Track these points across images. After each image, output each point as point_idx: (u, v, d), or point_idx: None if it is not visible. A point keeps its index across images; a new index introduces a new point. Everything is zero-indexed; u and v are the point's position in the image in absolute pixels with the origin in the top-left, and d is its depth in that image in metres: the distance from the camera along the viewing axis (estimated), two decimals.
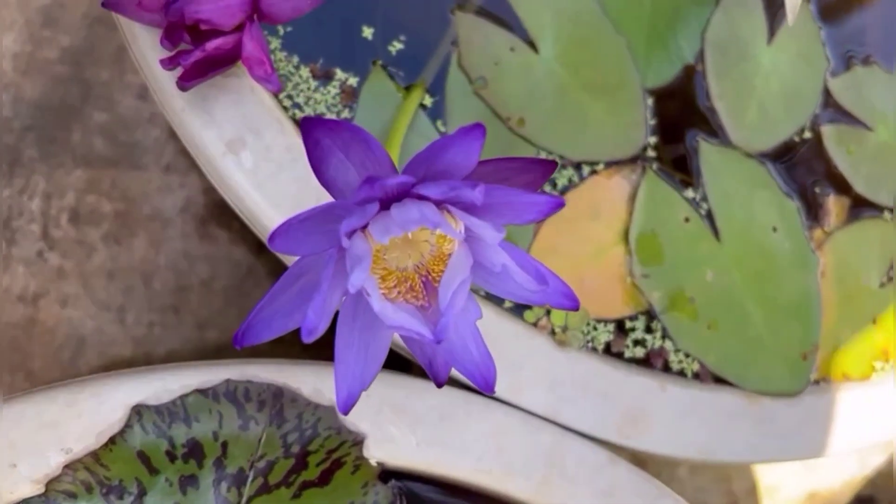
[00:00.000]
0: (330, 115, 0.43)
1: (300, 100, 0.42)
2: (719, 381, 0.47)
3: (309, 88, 0.43)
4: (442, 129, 0.44)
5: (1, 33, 0.59)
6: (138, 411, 0.37)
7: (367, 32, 0.44)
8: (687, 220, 0.47)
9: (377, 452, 0.40)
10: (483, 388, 0.28)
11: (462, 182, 0.24)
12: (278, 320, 0.27)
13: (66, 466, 0.36)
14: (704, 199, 0.47)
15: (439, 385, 0.29)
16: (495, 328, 0.43)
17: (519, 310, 0.44)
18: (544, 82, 0.46)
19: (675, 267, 0.46)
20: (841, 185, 0.50)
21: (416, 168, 0.25)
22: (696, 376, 0.46)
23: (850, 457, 0.71)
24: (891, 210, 0.50)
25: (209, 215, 0.61)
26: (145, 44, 0.39)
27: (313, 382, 0.39)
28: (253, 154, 0.40)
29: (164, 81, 0.39)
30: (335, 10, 0.43)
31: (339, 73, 0.43)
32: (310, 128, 0.24)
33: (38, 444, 0.36)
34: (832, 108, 0.50)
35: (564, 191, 0.46)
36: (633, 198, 0.46)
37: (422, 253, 0.26)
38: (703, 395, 0.46)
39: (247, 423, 0.38)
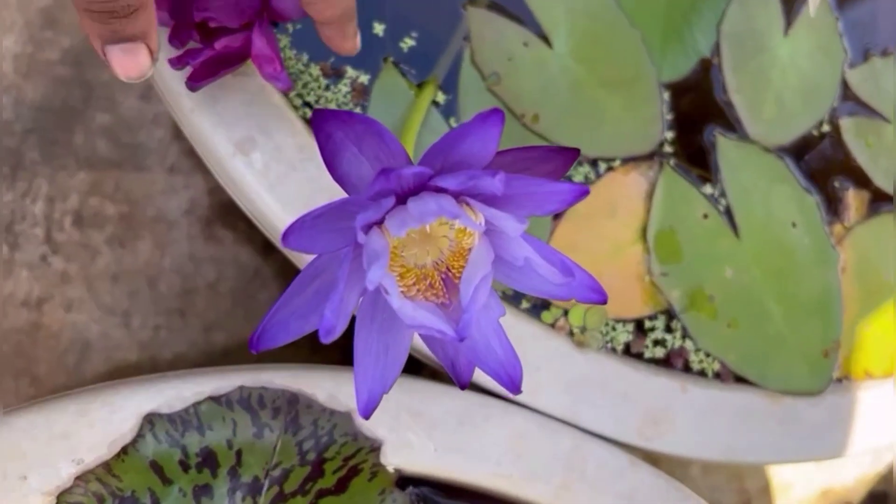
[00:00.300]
0: None
1: (310, 98, 0.41)
2: (740, 380, 0.46)
3: (319, 87, 0.42)
4: (455, 126, 0.43)
5: (1, 35, 0.58)
6: (150, 420, 0.36)
7: (379, 29, 0.43)
8: (705, 216, 0.46)
9: (394, 458, 0.39)
10: (509, 388, 0.27)
11: (481, 171, 0.23)
12: (294, 322, 0.26)
13: (78, 478, 0.36)
14: (723, 194, 0.47)
15: (463, 387, 0.28)
16: (512, 329, 0.42)
17: (536, 311, 0.43)
18: (559, 78, 0.45)
19: (694, 265, 0.45)
20: (860, 179, 0.49)
21: (432, 159, 0.24)
22: (717, 376, 0.45)
23: (863, 453, 0.71)
24: None
25: (214, 216, 0.60)
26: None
27: (329, 388, 0.39)
28: (263, 155, 0.39)
29: (171, 82, 0.38)
30: None
31: (350, 71, 0.42)
32: (321, 121, 0.23)
33: (49, 456, 0.36)
34: (850, 100, 0.49)
35: None
36: (650, 194, 0.45)
37: (440, 249, 0.25)
38: (725, 395, 0.45)
39: (261, 430, 0.37)
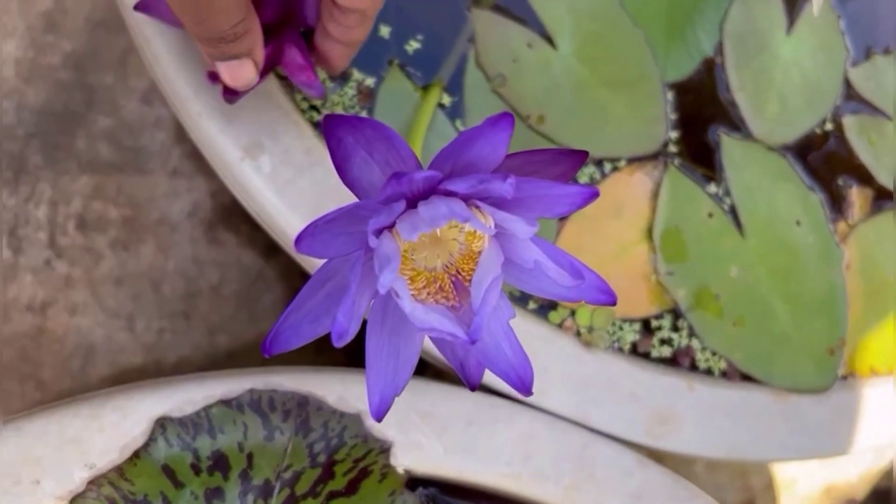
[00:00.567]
0: None
1: (317, 102, 0.41)
2: (746, 378, 0.46)
3: (326, 90, 0.42)
4: (461, 128, 0.44)
5: (2, 39, 0.58)
6: (162, 424, 0.37)
7: (384, 31, 0.43)
8: (710, 215, 0.46)
9: (404, 460, 0.39)
10: (519, 389, 0.27)
11: (491, 175, 0.24)
12: (306, 326, 0.26)
13: (90, 482, 0.36)
14: (727, 193, 0.47)
15: (472, 388, 0.28)
16: (520, 330, 0.42)
17: (543, 311, 0.43)
18: (563, 78, 0.45)
19: (699, 264, 0.46)
20: (863, 177, 0.49)
21: (441, 163, 0.24)
22: (724, 374, 0.46)
23: (867, 450, 0.71)
24: None
25: (217, 219, 0.60)
26: (159, 46, 0.38)
27: (338, 390, 0.39)
28: (271, 158, 0.39)
29: (178, 85, 0.38)
30: None
31: (356, 74, 0.42)
32: (333, 126, 0.23)
33: (62, 460, 0.36)
34: (853, 98, 0.50)
35: None
36: (655, 194, 0.46)
37: (451, 252, 0.25)
38: (731, 393, 0.45)
39: (272, 433, 0.37)
